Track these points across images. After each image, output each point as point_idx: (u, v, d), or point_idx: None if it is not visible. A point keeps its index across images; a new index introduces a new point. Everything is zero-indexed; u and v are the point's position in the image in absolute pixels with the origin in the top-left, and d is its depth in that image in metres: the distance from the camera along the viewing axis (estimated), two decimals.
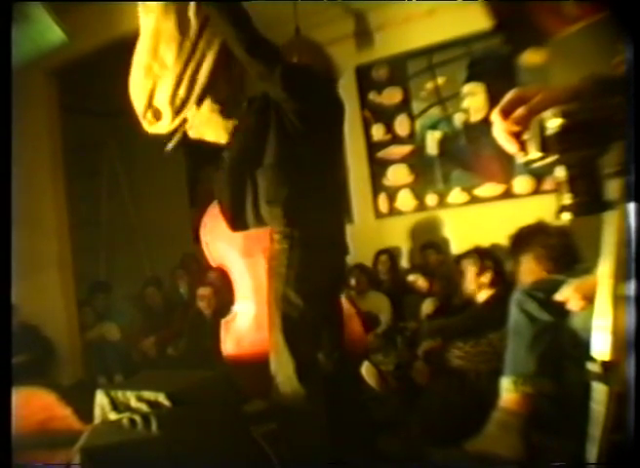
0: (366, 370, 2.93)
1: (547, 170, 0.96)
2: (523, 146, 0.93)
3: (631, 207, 0.90)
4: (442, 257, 4.65)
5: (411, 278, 4.41)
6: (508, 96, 0.94)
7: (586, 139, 0.87)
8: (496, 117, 0.94)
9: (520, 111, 0.91)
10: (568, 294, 1.86)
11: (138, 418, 2.20)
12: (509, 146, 0.94)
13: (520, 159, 0.95)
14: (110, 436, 2.17)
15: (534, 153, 0.91)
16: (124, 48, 4.37)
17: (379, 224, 5.22)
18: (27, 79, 4.15)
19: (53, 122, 4.70)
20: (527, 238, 2.47)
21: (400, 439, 2.45)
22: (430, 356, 2.65)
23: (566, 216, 0.92)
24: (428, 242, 4.81)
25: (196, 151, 5.99)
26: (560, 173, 0.91)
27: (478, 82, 4.74)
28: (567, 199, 0.91)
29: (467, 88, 4.80)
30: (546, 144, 0.88)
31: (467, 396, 2.41)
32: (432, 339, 2.71)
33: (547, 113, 0.88)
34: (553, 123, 0.87)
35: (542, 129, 0.88)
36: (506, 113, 0.92)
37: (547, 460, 1.96)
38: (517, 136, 0.93)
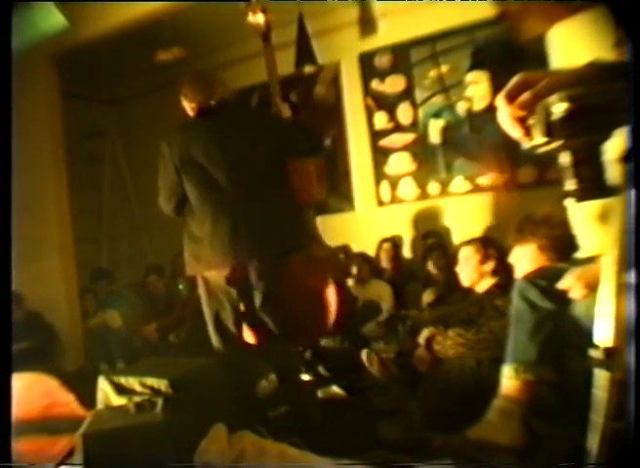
0: (367, 357, 2.94)
1: (551, 158, 0.95)
2: (528, 131, 0.91)
3: (633, 194, 0.89)
4: (444, 246, 4.64)
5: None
6: (514, 80, 0.92)
7: (592, 124, 0.86)
8: (501, 102, 0.93)
9: (525, 96, 0.89)
10: (570, 283, 1.86)
11: (139, 404, 2.21)
12: (514, 131, 0.93)
13: (525, 144, 0.93)
14: (113, 422, 2.18)
15: (539, 138, 0.89)
16: (126, 35, 4.36)
17: (380, 213, 5.21)
18: (28, 65, 4.12)
19: (54, 109, 4.67)
20: (530, 227, 2.46)
21: (401, 426, 2.46)
22: (431, 344, 2.65)
23: (570, 202, 0.91)
24: (430, 231, 4.81)
25: None
26: (565, 158, 0.90)
27: (482, 70, 4.71)
28: (571, 185, 0.90)
29: (471, 76, 4.78)
30: (552, 129, 0.87)
31: (468, 383, 2.41)
32: (434, 327, 2.71)
33: (553, 98, 0.86)
34: (559, 108, 0.85)
35: (548, 114, 0.87)
36: (511, 98, 0.91)
37: (548, 448, 1.97)
38: (522, 121, 0.91)
